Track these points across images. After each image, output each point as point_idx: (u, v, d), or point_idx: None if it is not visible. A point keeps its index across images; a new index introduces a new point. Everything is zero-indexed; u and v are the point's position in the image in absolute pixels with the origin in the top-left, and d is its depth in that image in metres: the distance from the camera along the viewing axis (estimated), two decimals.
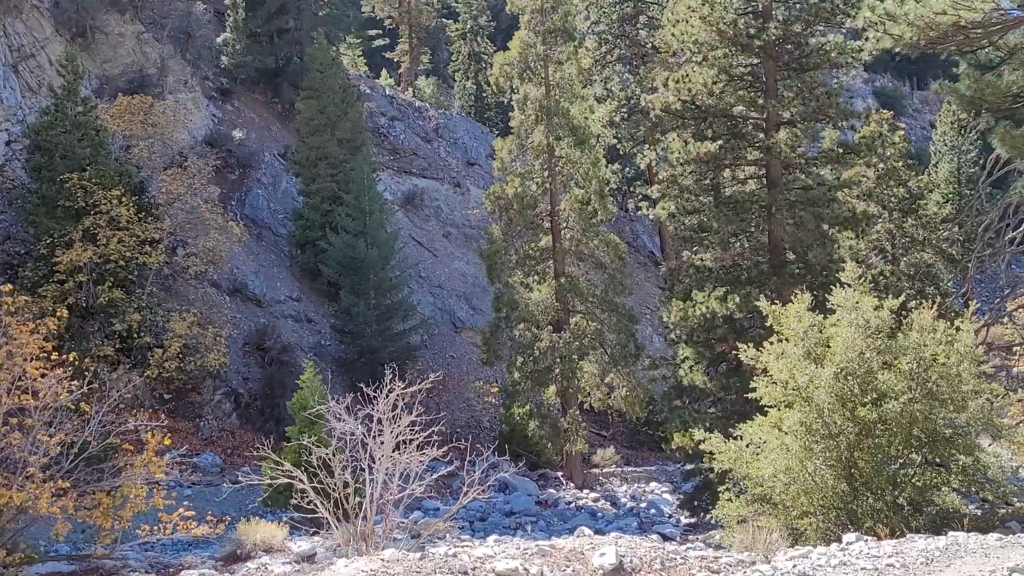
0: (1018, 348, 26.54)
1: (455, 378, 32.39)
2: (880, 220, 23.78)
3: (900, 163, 26.20)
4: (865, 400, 11.12)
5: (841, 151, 19.60)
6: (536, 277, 26.86)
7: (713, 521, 13.88)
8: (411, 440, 10.13)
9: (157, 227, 23.53)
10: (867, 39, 17.46)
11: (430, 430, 10.61)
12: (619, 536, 11.10)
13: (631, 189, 42.57)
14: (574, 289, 26.33)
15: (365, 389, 10.66)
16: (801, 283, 17.40)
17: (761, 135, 19.34)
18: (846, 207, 18.99)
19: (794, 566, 7.56)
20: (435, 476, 10.87)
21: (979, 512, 11.52)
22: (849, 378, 11.09)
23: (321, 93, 32.37)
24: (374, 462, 9.96)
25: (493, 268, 26.99)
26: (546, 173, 26.59)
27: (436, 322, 34.35)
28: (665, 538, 16.88)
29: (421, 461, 10.20)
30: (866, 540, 8.92)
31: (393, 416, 10.12)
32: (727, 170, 20.47)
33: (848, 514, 11.02)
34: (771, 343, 11.80)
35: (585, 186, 26.44)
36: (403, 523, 14.45)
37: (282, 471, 10.59)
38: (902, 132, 25.46)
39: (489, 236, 27.60)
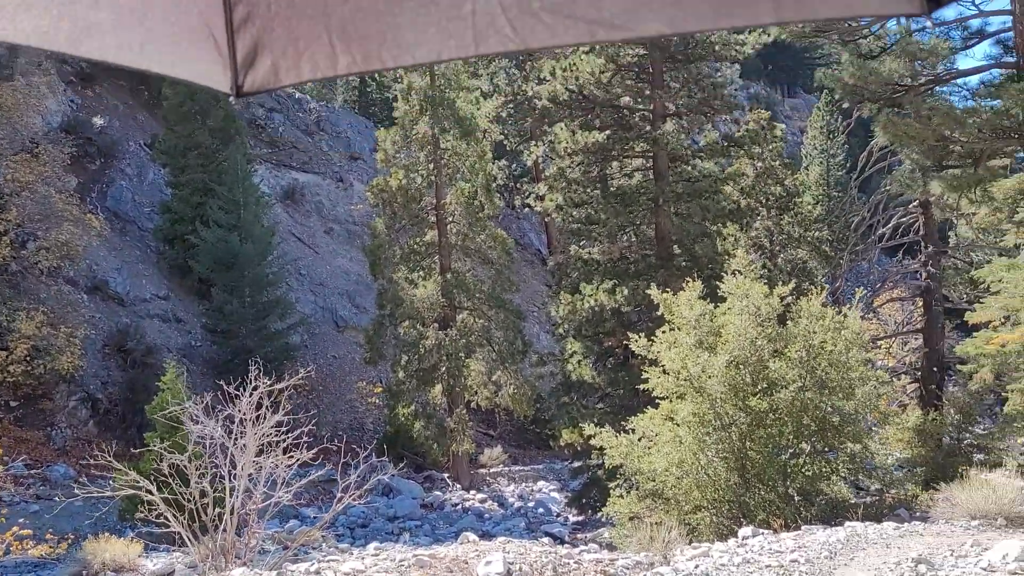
0: (882, 341, 27.55)
1: (337, 379, 31.11)
2: (759, 217, 24.08)
3: (777, 162, 26.76)
4: (757, 389, 10.84)
5: (725, 144, 19.62)
6: (421, 273, 25.99)
7: (604, 519, 13.43)
8: (277, 443, 9.11)
9: (1, 218, 21.37)
10: (751, 32, 17.46)
11: (299, 431, 9.60)
12: (507, 541, 10.41)
13: (518, 186, 42.19)
14: (460, 285, 25.60)
15: (226, 388, 9.57)
16: (688, 276, 17.22)
17: (648, 126, 19.13)
18: (730, 200, 19.00)
19: (696, 567, 7.06)
20: (305, 481, 9.87)
21: (867, 499, 11.44)
22: (741, 367, 10.78)
23: None
24: (235, 468, 8.90)
25: (376, 263, 25.95)
26: (431, 165, 25.77)
27: (317, 321, 32.91)
28: (554, 538, 16.36)
29: (289, 466, 9.20)
30: (763, 534, 8.55)
31: (257, 417, 9.07)
32: (615, 162, 20.18)
33: (740, 507, 10.70)
34: (663, 332, 11.38)
35: (471, 179, 25.77)
36: (276, 534, 13.34)
37: (127, 481, 9.36)
38: (782, 128, 25.92)
39: (372, 230, 26.54)
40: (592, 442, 12.25)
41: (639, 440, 11.53)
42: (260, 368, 9.77)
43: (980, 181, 14.29)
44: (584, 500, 21.24)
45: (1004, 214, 18.12)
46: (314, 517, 18.81)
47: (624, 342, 19.32)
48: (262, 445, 9.02)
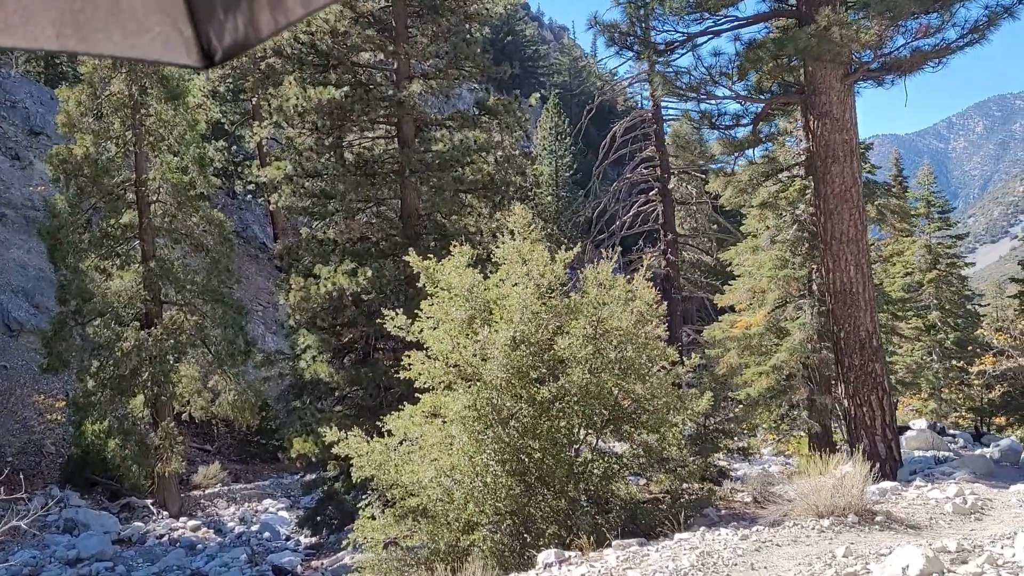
0: None
1: (9, 393, 25.38)
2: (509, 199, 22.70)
3: (518, 151, 25.72)
4: (542, 372, 8.87)
5: (477, 112, 17.78)
6: (118, 261, 21.67)
7: (345, 540, 10.85)
8: None
9: None
10: None
11: None
12: None
13: (239, 171, 37.94)
14: (167, 275, 21.63)
15: None
16: (439, 256, 15.21)
17: (392, 88, 16.77)
18: (485, 172, 17.17)
19: None
20: None
21: (667, 497, 9.89)
22: (523, 346, 8.74)
23: None
24: None
25: (57, 249, 21.13)
26: (129, 133, 21.52)
27: None
28: (282, 573, 13.47)
29: None
30: (569, 558, 6.49)
31: None
32: (355, 128, 17.57)
33: (525, 520, 8.63)
34: (429, 304, 9.04)
35: (181, 152, 21.89)
36: None
37: None
38: (529, 111, 24.79)
39: (51, 209, 21.63)
40: (335, 450, 9.61)
41: (399, 444, 9.10)
42: None
43: (742, 145, 13.62)
44: (319, 518, 18.40)
45: (748, 196, 17.97)
46: None
47: (366, 331, 16.79)
48: None
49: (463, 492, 8.63)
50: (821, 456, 12.93)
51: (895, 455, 11.85)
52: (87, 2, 0.88)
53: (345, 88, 16.09)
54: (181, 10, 0.96)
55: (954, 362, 23.93)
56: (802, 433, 20.29)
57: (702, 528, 7.18)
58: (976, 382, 24.33)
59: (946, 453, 15.23)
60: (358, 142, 18.07)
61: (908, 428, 19.65)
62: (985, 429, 24.66)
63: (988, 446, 17.36)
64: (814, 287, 17.79)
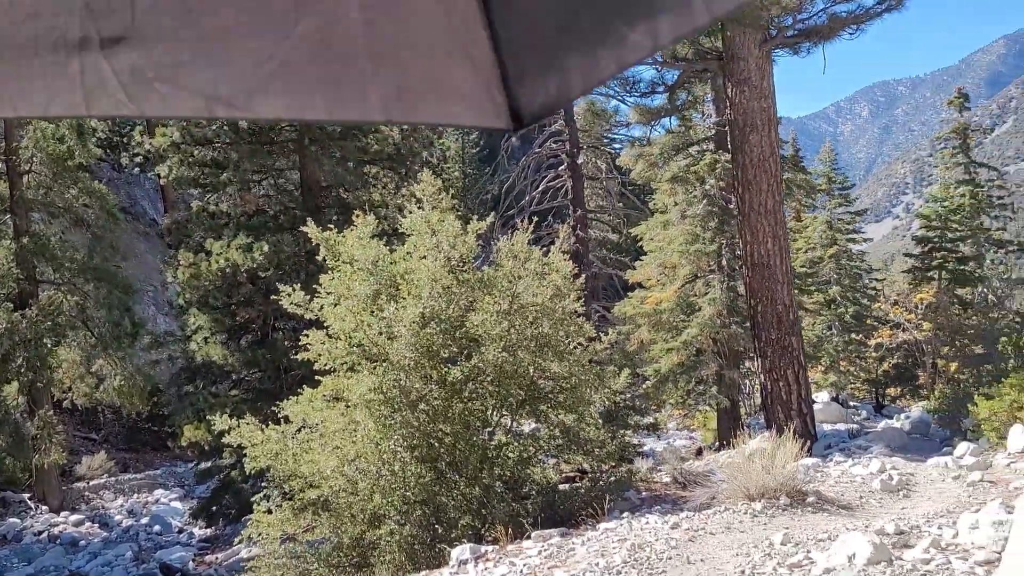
0: None
1: None
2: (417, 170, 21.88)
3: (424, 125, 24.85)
4: (454, 351, 8.25)
5: None
6: None
7: (242, 531, 10.03)
8: None
9: None
10: None
11: None
12: None
13: (125, 141, 35.66)
14: (43, 252, 20.06)
15: None
16: (341, 230, 14.34)
17: None
18: (390, 143, 16.32)
19: None
20: None
21: (585, 479, 9.44)
22: (433, 323, 8.08)
23: None
24: None
25: None
26: None
27: None
28: (170, 572, 12.52)
29: None
30: (485, 553, 5.92)
31: None
32: None
33: (436, 511, 8.02)
34: (330, 279, 8.27)
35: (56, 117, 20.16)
36: None
37: None
38: None
39: None
40: (226, 439, 8.76)
41: (297, 432, 8.33)
42: None
43: (659, 113, 13.26)
44: (214, 509, 17.39)
45: (659, 170, 17.72)
46: None
47: (264, 311, 15.80)
48: None
49: (369, 482, 7.96)
50: (735, 432, 12.77)
51: (811, 430, 11.78)
52: (414, 79, 0.94)
53: None
54: (495, 78, 1.01)
55: (853, 335, 24.49)
56: (708, 408, 20.34)
57: (627, 515, 6.75)
58: (873, 355, 24.98)
59: (853, 426, 15.42)
60: None
61: (814, 402, 19.93)
62: (881, 400, 25.42)
63: (891, 417, 17.78)
64: (724, 262, 17.72)
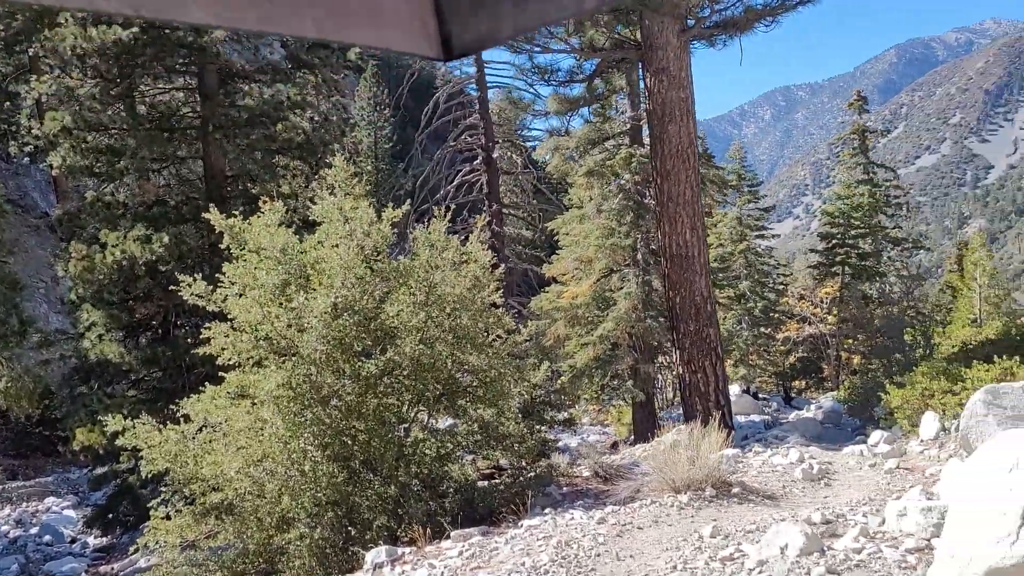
0: None
1: None
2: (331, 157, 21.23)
3: (335, 117, 24.22)
4: (368, 344, 7.86)
5: (291, 66, 16.22)
6: None
7: (141, 551, 9.42)
8: None
9: None
10: None
11: None
12: None
13: (13, 130, 33.63)
14: None
15: None
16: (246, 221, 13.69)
17: (192, 34, 14.91)
18: (300, 132, 15.70)
19: None
20: None
21: (504, 475, 9.16)
22: (346, 314, 7.67)
23: None
24: None
25: None
26: None
27: None
28: None
29: None
30: (402, 556, 5.57)
31: None
32: (147, 78, 15.54)
33: (349, 512, 7.62)
34: (236, 268, 7.75)
35: None
36: None
37: None
38: (346, 80, 23.29)
39: None
40: (120, 441, 8.14)
41: (199, 432, 7.78)
42: None
43: (577, 103, 13.10)
44: (111, 516, 16.42)
45: (575, 164, 17.63)
46: None
47: (164, 306, 14.98)
48: None
49: (277, 483, 7.49)
50: (651, 426, 12.73)
51: (728, 421, 11.82)
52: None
53: (134, 29, 14.10)
54: (429, 8, 1.05)
55: (762, 329, 25.04)
56: (623, 403, 20.40)
57: (549, 511, 6.51)
58: (781, 348, 25.61)
59: (767, 417, 15.63)
60: (152, 93, 16.03)
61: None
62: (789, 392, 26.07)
63: (801, 408, 18.14)
64: (639, 256, 17.75)
